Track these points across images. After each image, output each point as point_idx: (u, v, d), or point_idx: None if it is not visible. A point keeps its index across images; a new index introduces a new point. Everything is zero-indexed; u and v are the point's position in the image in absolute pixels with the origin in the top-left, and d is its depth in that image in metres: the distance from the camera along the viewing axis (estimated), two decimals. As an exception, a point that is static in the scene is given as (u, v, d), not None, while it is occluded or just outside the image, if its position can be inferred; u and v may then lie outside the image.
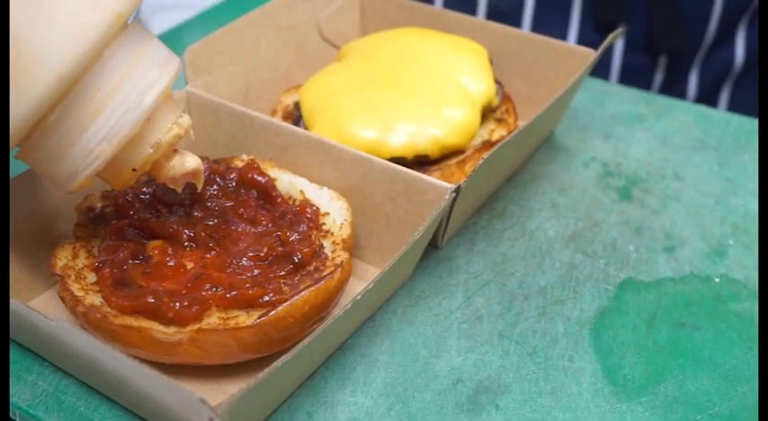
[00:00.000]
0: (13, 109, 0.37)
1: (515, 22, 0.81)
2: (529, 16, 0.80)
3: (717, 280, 0.51)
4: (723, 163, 0.61)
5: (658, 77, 0.82)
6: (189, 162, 0.44)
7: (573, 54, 0.61)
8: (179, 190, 0.45)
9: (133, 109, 0.39)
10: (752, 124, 0.66)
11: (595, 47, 0.59)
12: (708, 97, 0.84)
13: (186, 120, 0.43)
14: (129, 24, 0.40)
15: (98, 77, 0.39)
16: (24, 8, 0.36)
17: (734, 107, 0.84)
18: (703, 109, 0.67)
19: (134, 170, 0.42)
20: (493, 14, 0.82)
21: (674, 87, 0.83)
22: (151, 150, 0.42)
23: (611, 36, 0.57)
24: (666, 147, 0.63)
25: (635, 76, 0.82)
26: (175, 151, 0.44)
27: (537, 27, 0.81)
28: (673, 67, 0.81)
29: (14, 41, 0.36)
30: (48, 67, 0.36)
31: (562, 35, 0.80)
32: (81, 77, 0.38)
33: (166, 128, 0.42)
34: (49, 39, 0.36)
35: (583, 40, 0.80)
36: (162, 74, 0.41)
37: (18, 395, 0.43)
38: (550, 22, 0.80)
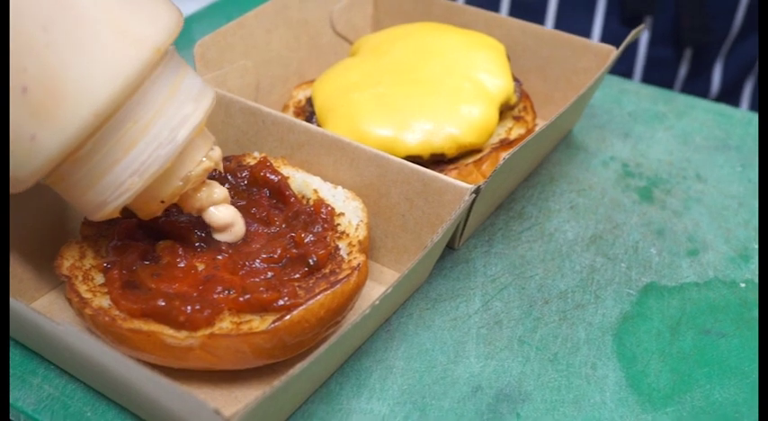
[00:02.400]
0: (47, 141, 0.36)
1: (540, 14, 0.80)
2: (553, 9, 0.79)
3: (742, 285, 0.50)
4: (746, 164, 0.60)
5: (683, 70, 0.81)
6: (216, 194, 0.44)
7: (591, 50, 0.59)
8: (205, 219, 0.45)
9: (166, 144, 0.39)
10: (774, 124, 0.64)
11: (619, 40, 0.57)
12: (731, 90, 0.83)
13: (217, 152, 0.43)
14: (167, 54, 0.39)
15: (134, 110, 0.38)
16: (62, 41, 0.35)
17: (757, 100, 0.83)
18: (724, 108, 0.66)
19: (162, 202, 0.41)
20: (517, 7, 0.80)
21: (698, 80, 0.82)
22: (181, 183, 0.41)
23: (632, 33, 0.55)
24: (687, 146, 0.62)
25: (659, 68, 0.81)
26: (203, 182, 0.43)
27: (561, 20, 0.79)
28: (697, 59, 0.80)
29: (52, 74, 0.35)
30: (85, 102, 0.36)
31: (587, 28, 0.79)
32: (117, 110, 0.37)
33: (197, 161, 0.41)
34: (86, 73, 0.36)
35: (607, 32, 0.79)
36: (196, 108, 0.40)
37: (23, 399, 0.42)
38: (575, 14, 0.79)
